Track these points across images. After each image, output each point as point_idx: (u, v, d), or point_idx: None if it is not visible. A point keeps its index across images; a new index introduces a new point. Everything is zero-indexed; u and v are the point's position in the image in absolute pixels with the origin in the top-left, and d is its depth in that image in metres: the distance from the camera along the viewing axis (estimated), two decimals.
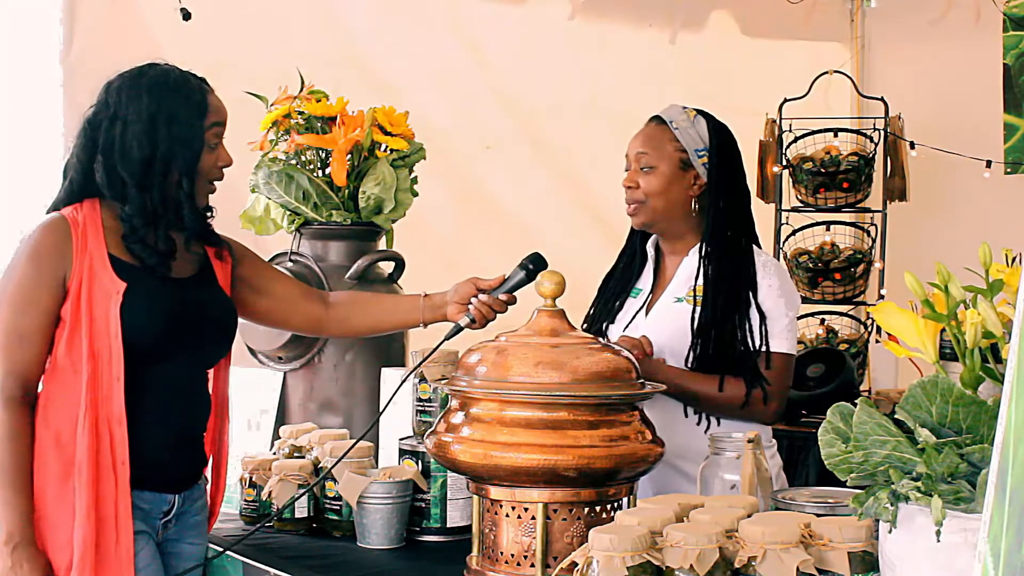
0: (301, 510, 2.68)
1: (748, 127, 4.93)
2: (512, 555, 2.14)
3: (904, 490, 1.63)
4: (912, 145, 4.96)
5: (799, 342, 4.77)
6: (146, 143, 2.39)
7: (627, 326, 2.85)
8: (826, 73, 5.07)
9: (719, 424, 2.76)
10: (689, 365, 2.76)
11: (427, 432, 2.30)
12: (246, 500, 2.77)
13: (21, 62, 3.72)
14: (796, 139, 5.02)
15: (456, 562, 2.29)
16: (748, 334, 2.75)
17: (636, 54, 5.04)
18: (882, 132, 4.95)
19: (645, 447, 2.15)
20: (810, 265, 4.99)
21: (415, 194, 3.26)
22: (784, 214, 5.06)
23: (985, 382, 1.71)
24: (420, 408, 2.66)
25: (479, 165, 4.67)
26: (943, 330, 1.75)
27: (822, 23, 5.46)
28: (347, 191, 3.15)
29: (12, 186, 3.68)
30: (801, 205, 5.04)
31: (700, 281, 2.79)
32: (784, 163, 5.01)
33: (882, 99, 5.00)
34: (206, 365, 2.56)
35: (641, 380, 2.22)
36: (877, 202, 5.01)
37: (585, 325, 2.95)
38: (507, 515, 2.14)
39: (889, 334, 1.80)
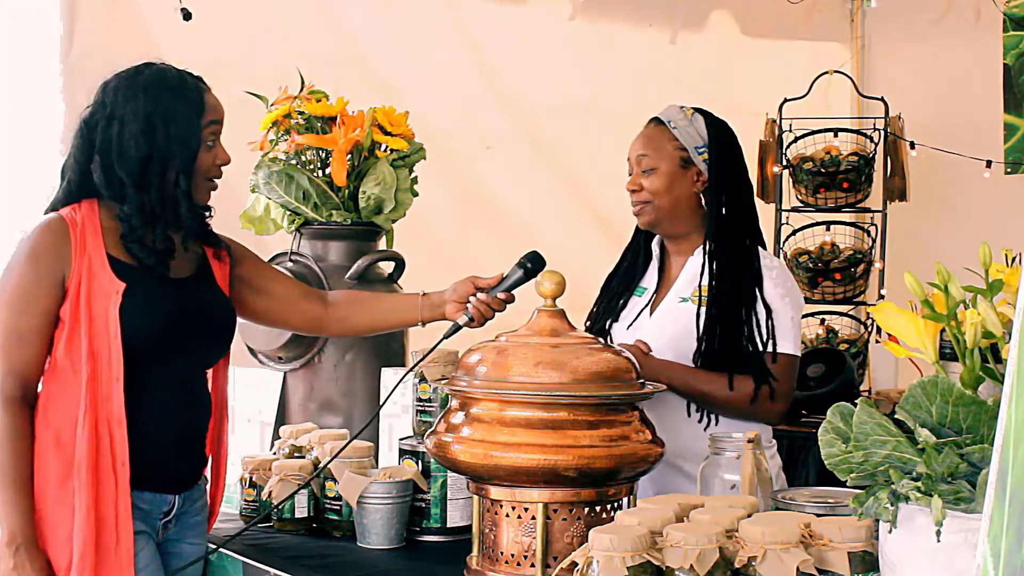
0: (301, 510, 2.68)
1: (748, 127, 4.91)
2: (512, 555, 2.14)
3: (904, 490, 1.63)
4: (912, 145, 4.96)
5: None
6: (143, 142, 2.39)
7: (631, 325, 2.86)
8: (826, 73, 5.07)
9: (716, 423, 2.76)
10: (695, 365, 2.76)
11: (427, 432, 2.30)
12: (246, 500, 2.77)
13: (21, 62, 3.72)
14: (796, 139, 5.02)
15: (456, 562, 2.29)
16: (755, 333, 2.76)
17: (636, 54, 5.04)
18: (882, 132, 4.95)
19: (645, 447, 2.16)
20: (810, 265, 4.99)
21: (415, 194, 3.26)
22: (784, 214, 5.06)
23: (985, 382, 1.71)
24: (420, 408, 2.66)
25: (479, 165, 4.67)
26: (943, 330, 1.75)
27: (822, 23, 5.46)
28: (347, 191, 3.15)
29: (11, 186, 3.68)
30: (801, 205, 5.05)
31: (705, 280, 2.80)
32: (784, 163, 5.01)
33: (882, 99, 5.00)
34: (205, 365, 2.56)
35: (641, 380, 2.22)
36: (877, 202, 5.01)
37: (588, 324, 2.95)
38: (507, 515, 2.14)
39: (889, 334, 1.80)
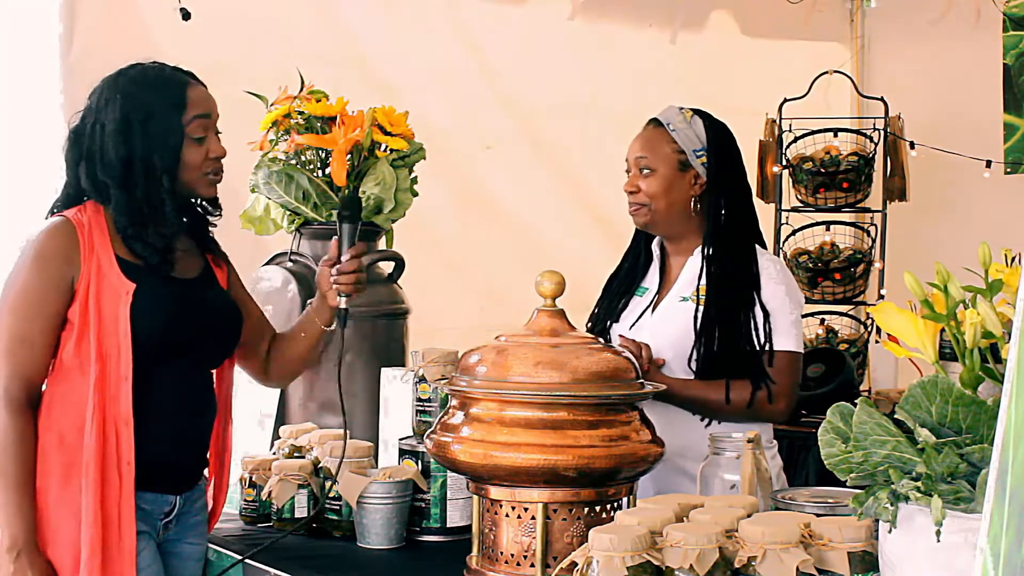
0: (301, 510, 2.68)
1: (748, 127, 4.92)
2: (512, 555, 2.14)
3: (904, 490, 1.63)
4: (912, 145, 4.96)
5: None
6: (121, 143, 2.39)
7: (632, 325, 2.86)
8: (826, 73, 5.07)
9: (719, 423, 2.76)
10: (693, 365, 2.76)
11: (427, 432, 2.30)
12: (246, 500, 2.77)
13: (21, 62, 3.72)
14: (796, 139, 5.02)
15: (456, 562, 2.29)
16: (752, 333, 2.76)
17: (636, 54, 5.03)
18: (882, 132, 4.95)
19: (645, 447, 2.16)
20: (810, 265, 4.99)
21: (415, 194, 3.26)
22: (784, 214, 5.06)
23: (985, 382, 1.71)
24: (420, 408, 2.66)
25: (479, 165, 4.67)
26: (943, 330, 1.75)
27: (822, 23, 5.46)
28: (347, 191, 3.15)
29: (11, 186, 3.68)
30: (801, 205, 5.05)
31: (703, 281, 2.80)
32: (784, 163, 5.01)
33: (882, 99, 5.00)
34: (210, 365, 2.56)
35: (640, 380, 2.22)
36: (877, 202, 5.01)
37: (589, 325, 2.95)
38: (507, 515, 2.14)
39: (889, 334, 1.80)
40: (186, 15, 3.66)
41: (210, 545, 2.62)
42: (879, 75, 5.56)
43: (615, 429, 2.13)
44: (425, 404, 2.65)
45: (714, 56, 5.21)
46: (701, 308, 2.78)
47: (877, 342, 4.87)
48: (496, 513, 2.15)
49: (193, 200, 2.54)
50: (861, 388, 4.78)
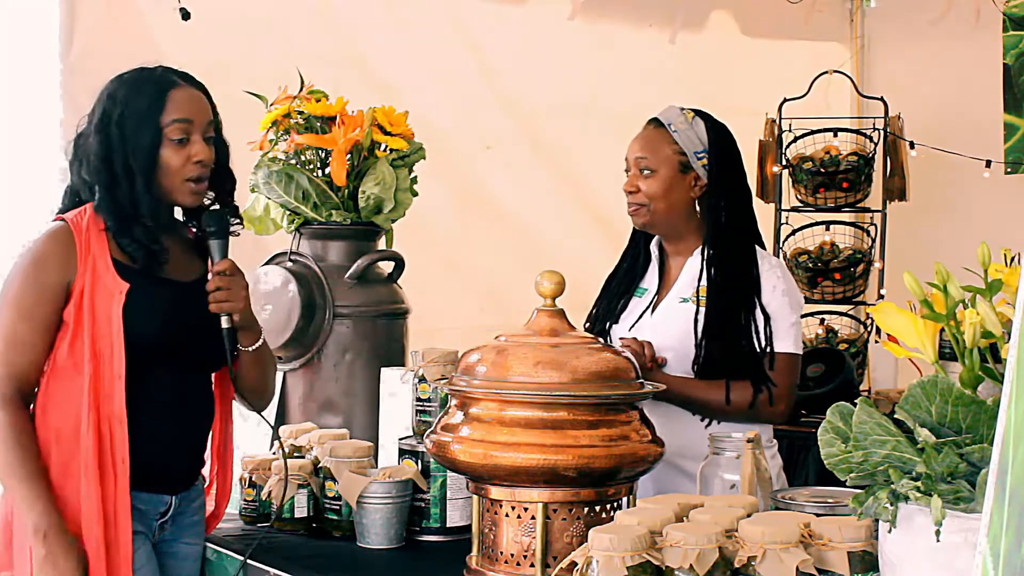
0: (301, 510, 2.68)
1: (748, 127, 4.92)
2: (512, 555, 2.14)
3: (904, 490, 1.63)
4: (912, 145, 4.96)
5: None
6: (100, 144, 2.41)
7: (632, 326, 2.86)
8: (826, 73, 5.07)
9: (719, 422, 2.77)
10: (694, 366, 2.77)
11: (427, 432, 2.30)
12: (246, 500, 2.77)
13: (21, 62, 3.72)
14: (796, 139, 5.01)
15: (456, 562, 2.29)
16: (753, 335, 2.76)
17: (636, 54, 5.03)
18: (882, 132, 4.95)
19: (645, 447, 2.16)
20: (810, 265, 4.99)
21: (415, 194, 3.26)
22: (784, 214, 5.06)
23: (985, 382, 1.71)
24: (420, 408, 2.66)
25: (479, 165, 4.67)
26: (942, 330, 1.75)
27: (822, 23, 5.46)
28: (347, 191, 3.15)
29: (11, 186, 3.68)
30: (801, 205, 5.04)
31: (703, 282, 2.80)
32: (784, 163, 5.01)
33: (882, 99, 5.00)
34: (207, 368, 2.56)
35: (640, 380, 2.22)
36: (877, 202, 5.01)
37: (587, 325, 2.95)
38: (507, 515, 2.14)
39: (889, 334, 1.80)
40: (186, 15, 3.66)
41: (209, 545, 2.62)
42: (879, 75, 5.56)
43: (615, 429, 2.13)
44: (425, 404, 2.65)
45: (714, 56, 5.21)
46: (702, 310, 2.78)
47: (877, 342, 4.87)
48: (496, 513, 2.15)
49: (209, 205, 2.55)
50: (861, 388, 4.78)
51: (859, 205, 4.99)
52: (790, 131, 5.01)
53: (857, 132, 5.07)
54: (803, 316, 4.93)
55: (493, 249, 4.65)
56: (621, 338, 2.77)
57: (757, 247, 2.88)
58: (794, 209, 5.06)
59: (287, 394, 3.18)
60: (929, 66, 5.30)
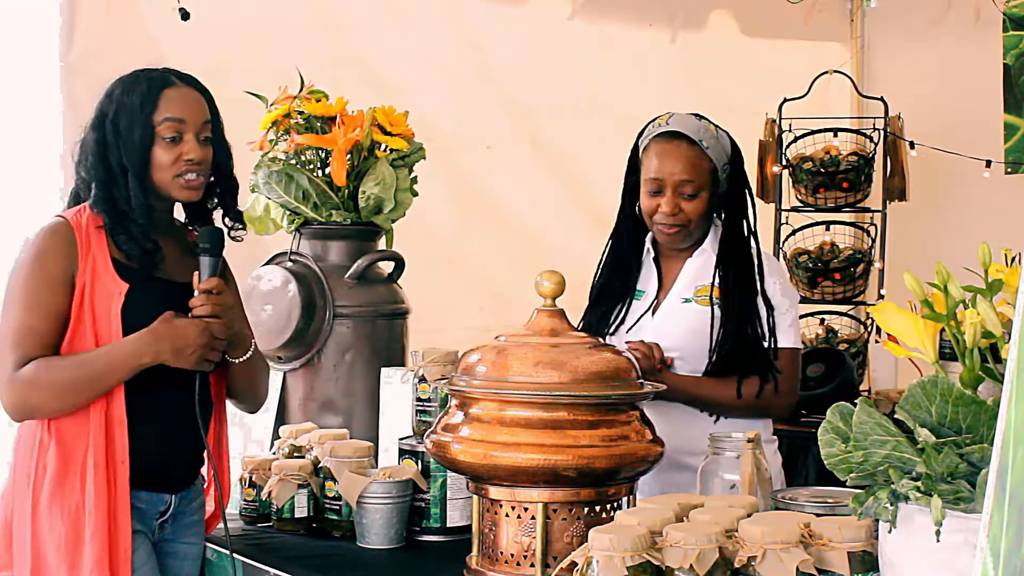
0: (301, 510, 2.68)
1: (748, 127, 4.93)
2: (512, 555, 2.14)
3: (904, 490, 1.63)
4: (912, 145, 4.96)
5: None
6: (96, 142, 2.43)
7: (632, 328, 2.86)
8: (826, 73, 5.07)
9: (725, 419, 2.80)
10: (709, 364, 2.79)
11: (427, 432, 2.30)
12: (246, 500, 2.77)
13: (21, 62, 3.72)
14: (796, 139, 5.01)
15: (456, 562, 2.29)
16: (762, 332, 2.79)
17: (636, 54, 5.03)
18: (882, 132, 4.95)
19: (645, 447, 2.16)
20: (810, 265, 4.98)
21: (415, 194, 3.26)
22: (784, 214, 5.06)
23: (985, 382, 1.71)
24: (420, 408, 2.66)
25: (479, 165, 4.67)
26: (943, 330, 1.75)
27: (822, 23, 5.46)
28: (347, 191, 3.15)
29: (11, 186, 3.68)
30: (801, 205, 5.04)
31: (715, 283, 2.82)
32: (784, 163, 5.01)
33: (882, 99, 5.00)
34: (200, 377, 2.55)
35: (640, 380, 2.22)
36: (877, 202, 5.01)
37: (582, 326, 2.94)
38: (507, 515, 2.14)
39: (889, 334, 1.80)
40: (186, 15, 3.66)
41: (210, 545, 2.62)
42: (879, 75, 5.56)
43: (615, 429, 2.13)
44: (425, 404, 2.65)
45: (714, 56, 5.21)
46: (716, 310, 2.79)
47: (877, 342, 4.87)
48: (496, 513, 2.15)
49: (209, 206, 2.55)
50: (861, 388, 4.78)
51: (859, 205, 4.99)
52: (790, 131, 5.01)
53: (857, 132, 5.07)
54: (803, 316, 4.98)
55: (493, 249, 4.65)
56: (628, 341, 2.77)
57: (760, 248, 2.89)
58: (794, 209, 5.06)
59: (287, 394, 3.18)
60: (929, 66, 5.30)
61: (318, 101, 3.17)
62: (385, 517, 2.52)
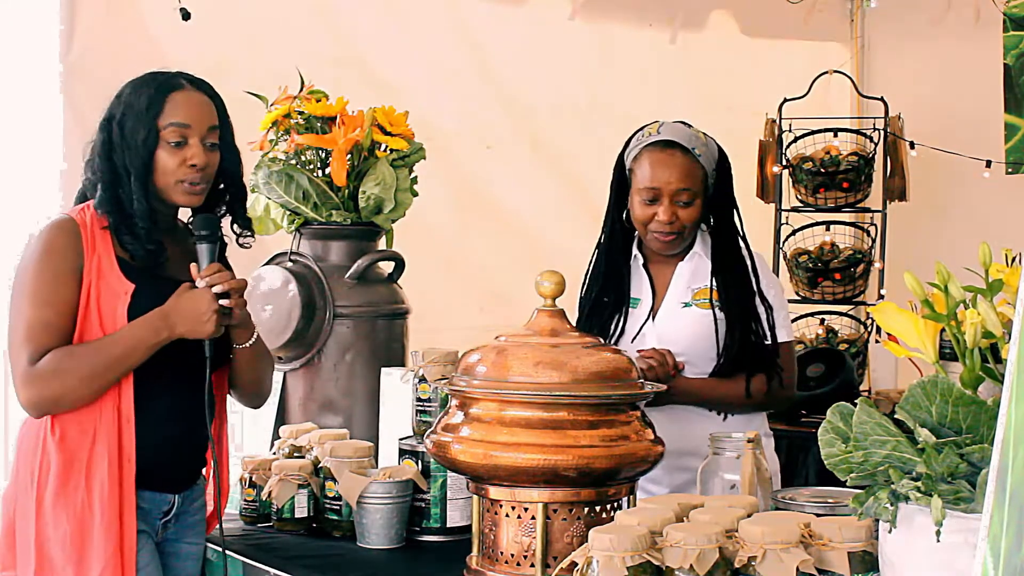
0: (301, 510, 2.68)
1: (748, 127, 4.93)
2: (512, 555, 2.14)
3: (904, 490, 1.63)
4: (912, 145, 4.96)
5: (799, 342, 4.80)
6: (103, 143, 2.43)
7: (635, 337, 2.86)
8: (826, 73, 5.07)
9: (726, 419, 2.84)
10: (717, 365, 2.83)
11: (427, 432, 2.30)
12: (246, 500, 2.77)
13: (21, 62, 3.72)
14: (796, 139, 5.02)
15: (456, 562, 2.29)
16: (763, 331, 2.85)
17: (636, 54, 5.04)
18: (882, 132, 4.95)
19: (645, 447, 2.16)
20: (810, 265, 4.99)
21: (415, 194, 3.26)
22: (784, 214, 5.06)
23: (985, 382, 1.71)
24: (420, 408, 2.66)
25: (479, 165, 4.67)
26: (943, 330, 1.75)
27: (822, 23, 5.46)
28: (347, 191, 3.15)
29: (11, 186, 3.68)
30: (801, 205, 5.05)
31: (713, 286, 2.85)
32: (784, 163, 5.01)
33: (882, 99, 5.00)
34: (212, 367, 2.56)
35: (641, 380, 2.23)
36: (877, 202, 5.01)
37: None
38: (507, 515, 2.14)
39: (889, 334, 1.80)
40: (186, 15, 3.66)
41: (210, 545, 2.62)
42: (879, 75, 5.56)
43: (615, 429, 2.13)
44: (425, 404, 2.65)
45: (714, 56, 5.21)
46: (722, 312, 2.82)
47: (877, 342, 4.87)
48: (496, 513, 2.15)
49: (218, 212, 2.55)
50: (861, 388, 4.78)
51: (859, 205, 4.99)
52: (790, 131, 5.01)
53: (857, 132, 5.07)
54: (803, 316, 5.00)
55: (493, 249, 4.65)
56: (640, 351, 2.77)
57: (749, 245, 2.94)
58: (794, 209, 5.06)
59: (287, 394, 3.18)
60: (929, 66, 5.30)
61: (318, 101, 3.17)
62: (385, 517, 2.52)
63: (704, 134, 2.89)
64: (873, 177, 4.98)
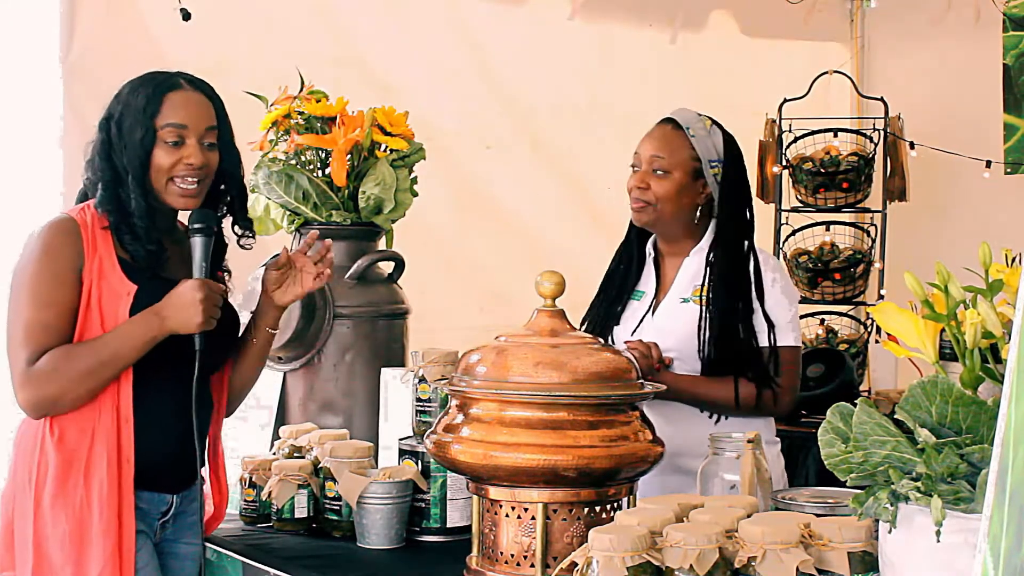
0: (301, 510, 2.68)
1: (748, 127, 4.92)
2: (512, 555, 2.14)
3: (904, 490, 1.63)
4: (912, 145, 4.96)
5: None
6: (102, 142, 2.43)
7: (634, 330, 2.86)
8: (826, 73, 5.07)
9: (726, 419, 2.80)
10: (702, 366, 2.79)
11: (427, 432, 2.30)
12: (246, 500, 2.77)
13: (21, 62, 3.72)
14: (796, 139, 5.02)
15: (456, 562, 2.29)
16: (756, 332, 2.79)
17: (636, 54, 5.04)
18: (882, 132, 4.95)
19: (645, 447, 2.16)
20: (810, 265, 4.99)
21: (415, 194, 3.26)
22: (784, 214, 5.06)
23: (985, 382, 1.71)
24: (420, 408, 2.66)
25: (479, 165, 4.67)
26: (943, 330, 1.75)
27: (822, 23, 5.46)
28: (347, 191, 3.15)
29: (11, 186, 3.68)
30: (801, 205, 5.05)
31: (706, 282, 2.82)
32: (784, 163, 5.01)
33: (882, 99, 5.00)
34: (209, 369, 2.56)
35: (640, 380, 2.22)
36: (877, 202, 5.01)
37: (586, 327, 2.95)
38: (507, 515, 2.14)
39: (889, 334, 1.80)
40: (186, 15, 3.66)
41: (210, 545, 2.62)
42: (879, 75, 5.56)
43: (615, 429, 2.13)
44: (425, 404, 2.65)
45: (714, 56, 5.21)
46: (705, 309, 2.79)
47: (877, 342, 4.87)
48: (496, 513, 2.15)
49: (219, 214, 2.55)
50: (861, 388, 4.78)
51: (859, 205, 5.00)
52: (790, 131, 5.01)
53: (857, 132, 5.07)
54: (803, 316, 4.98)
55: (493, 249, 4.65)
56: (627, 341, 2.78)
57: (755, 246, 2.89)
58: (794, 209, 5.06)
59: (287, 394, 3.17)
60: (929, 66, 5.30)
61: (318, 101, 3.17)
62: (385, 517, 2.52)
63: (715, 124, 2.87)
64: (873, 177, 4.98)
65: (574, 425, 2.09)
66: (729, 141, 2.88)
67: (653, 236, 2.95)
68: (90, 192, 2.46)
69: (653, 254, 2.95)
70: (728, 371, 2.78)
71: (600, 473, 2.10)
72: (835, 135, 5.02)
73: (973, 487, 1.59)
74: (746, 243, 2.87)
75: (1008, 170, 4.96)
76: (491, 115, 4.71)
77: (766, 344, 2.79)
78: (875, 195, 5.01)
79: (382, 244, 3.29)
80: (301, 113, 3.16)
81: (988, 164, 4.89)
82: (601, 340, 2.28)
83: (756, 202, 4.99)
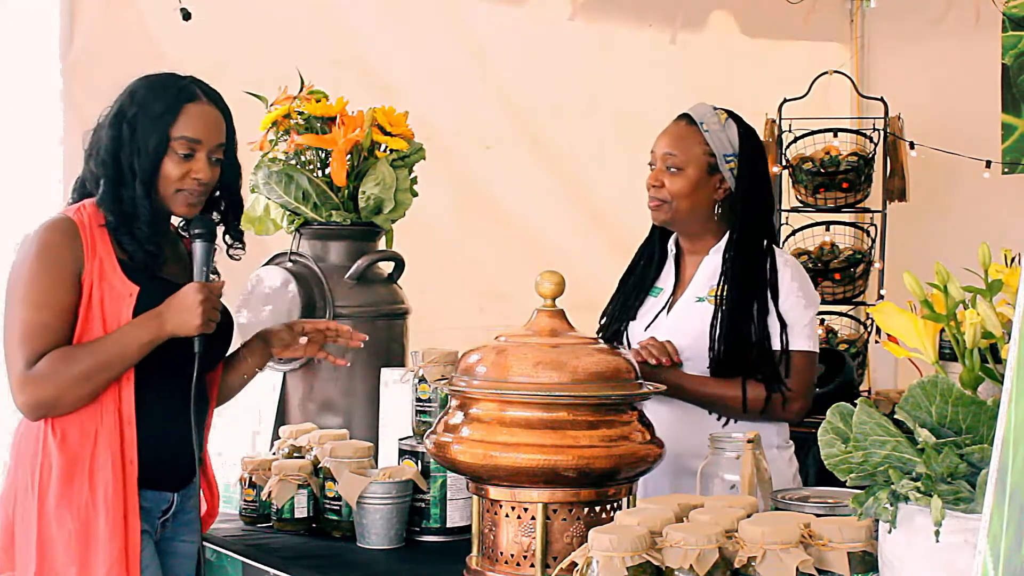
0: (301, 510, 2.68)
1: None
2: (512, 555, 2.14)
3: (904, 490, 1.63)
4: (912, 145, 4.96)
5: None
6: (112, 140, 2.42)
7: (648, 326, 2.85)
8: (826, 73, 5.07)
9: (735, 422, 2.78)
10: (710, 365, 2.77)
11: (427, 432, 2.30)
12: (246, 500, 2.77)
13: (21, 62, 3.72)
14: (796, 139, 5.02)
15: (456, 562, 2.29)
16: (768, 335, 2.76)
17: (636, 54, 5.04)
18: (882, 132, 4.95)
19: (645, 447, 2.16)
20: (810, 265, 4.99)
21: (415, 194, 3.26)
22: (784, 214, 5.06)
23: (985, 382, 1.71)
24: (420, 408, 2.66)
25: (479, 165, 4.67)
26: (943, 330, 1.75)
27: (822, 23, 5.46)
28: (347, 191, 3.15)
29: (11, 186, 3.68)
30: (801, 205, 5.05)
31: (721, 281, 2.80)
32: (784, 163, 5.01)
33: (882, 99, 5.00)
34: (206, 368, 2.56)
35: (640, 380, 2.22)
36: (877, 202, 5.01)
37: (603, 322, 2.94)
38: (507, 515, 2.14)
39: (889, 334, 1.80)
40: (186, 15, 3.66)
41: (210, 545, 2.62)
42: (879, 75, 5.56)
43: (615, 429, 2.13)
44: (425, 404, 2.65)
45: (714, 56, 5.21)
46: (718, 308, 2.77)
47: (877, 342, 4.87)
48: (496, 513, 2.15)
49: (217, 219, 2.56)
50: (861, 388, 4.78)
51: (859, 205, 5.00)
52: (790, 131, 5.01)
53: (857, 132, 5.07)
54: None
55: (493, 249, 4.66)
56: (640, 342, 2.76)
57: (774, 247, 2.87)
58: (794, 209, 5.06)
59: (287, 394, 3.18)
60: (929, 66, 5.30)
61: (318, 101, 3.17)
62: (385, 517, 2.52)
63: (731, 117, 2.85)
64: (873, 177, 4.98)
65: (574, 425, 2.09)
66: (746, 134, 2.86)
67: (675, 233, 2.94)
68: (90, 185, 2.45)
69: (675, 251, 2.94)
70: (738, 373, 2.74)
71: (600, 473, 2.10)
72: (835, 135, 5.02)
73: (973, 487, 1.59)
74: (765, 242, 2.84)
75: (1006, 170, 4.96)
76: (491, 115, 4.71)
77: (778, 347, 2.75)
78: (875, 195, 5.01)
79: (382, 244, 3.29)
80: (301, 113, 3.16)
81: (988, 164, 4.90)
82: (601, 340, 2.28)
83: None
